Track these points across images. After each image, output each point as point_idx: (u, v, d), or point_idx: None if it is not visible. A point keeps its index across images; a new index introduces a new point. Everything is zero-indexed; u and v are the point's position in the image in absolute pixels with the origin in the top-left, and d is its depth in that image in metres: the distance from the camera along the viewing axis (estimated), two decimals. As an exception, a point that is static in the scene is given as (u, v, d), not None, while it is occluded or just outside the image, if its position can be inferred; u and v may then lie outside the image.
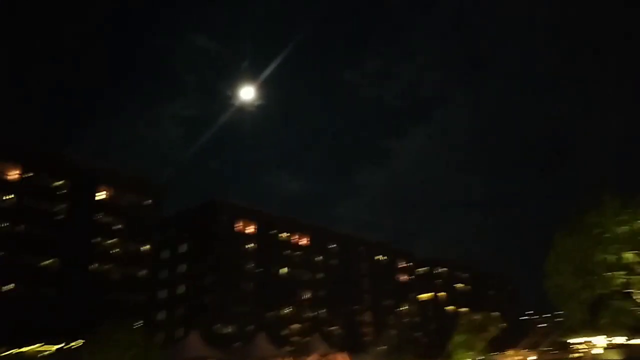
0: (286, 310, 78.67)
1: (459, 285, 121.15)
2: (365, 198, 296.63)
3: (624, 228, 26.43)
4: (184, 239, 73.43)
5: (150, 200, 63.89)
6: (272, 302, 75.64)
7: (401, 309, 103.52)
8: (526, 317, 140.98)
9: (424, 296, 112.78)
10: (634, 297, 27.50)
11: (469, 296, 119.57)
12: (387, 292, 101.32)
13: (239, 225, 74.46)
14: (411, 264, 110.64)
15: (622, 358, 45.67)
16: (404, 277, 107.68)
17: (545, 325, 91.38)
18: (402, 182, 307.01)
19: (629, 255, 26.60)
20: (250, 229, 76.05)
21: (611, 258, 26.63)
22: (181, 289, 71.17)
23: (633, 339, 52.44)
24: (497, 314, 76.97)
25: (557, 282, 29.09)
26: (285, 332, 75.82)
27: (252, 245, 75.47)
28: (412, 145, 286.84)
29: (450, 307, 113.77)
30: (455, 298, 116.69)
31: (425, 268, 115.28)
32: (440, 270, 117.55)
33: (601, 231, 26.72)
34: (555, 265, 28.98)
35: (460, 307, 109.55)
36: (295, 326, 78.72)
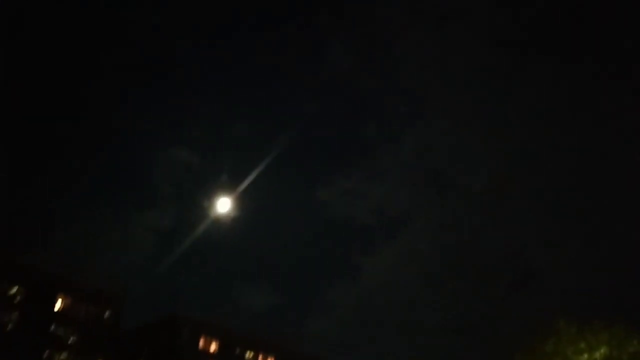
0: None
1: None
2: (336, 315, 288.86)
3: (583, 357, 26.06)
4: (142, 355, 69.41)
5: (109, 312, 61.31)
6: None
7: None
8: None
9: None
10: None
11: None
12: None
13: (201, 342, 71.08)
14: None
15: None
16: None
17: None
18: (372, 300, 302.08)
19: (591, 387, 25.92)
20: (213, 347, 72.55)
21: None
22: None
23: None
24: None
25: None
26: None
27: (214, 364, 71.61)
28: (382, 263, 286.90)
29: None
30: None
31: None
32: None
33: (560, 360, 26.28)
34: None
35: None
36: None
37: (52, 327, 56.25)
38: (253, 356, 78.65)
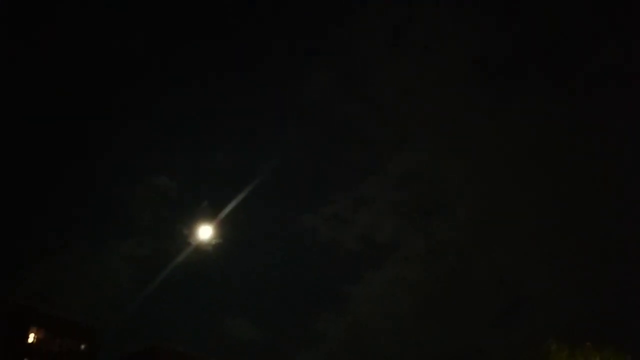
0: None
1: None
2: (325, 346, 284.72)
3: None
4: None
5: (84, 345, 59.36)
6: None
7: None
8: None
9: None
10: None
11: None
12: None
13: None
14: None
15: None
16: None
17: None
18: (362, 330, 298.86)
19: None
20: (196, 379, 70.19)
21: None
22: None
23: None
24: None
25: None
26: None
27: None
28: (370, 292, 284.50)
29: None
30: None
31: None
32: None
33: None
34: None
35: None
36: None
37: (25, 361, 54.34)
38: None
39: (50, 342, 56.98)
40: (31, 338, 55.65)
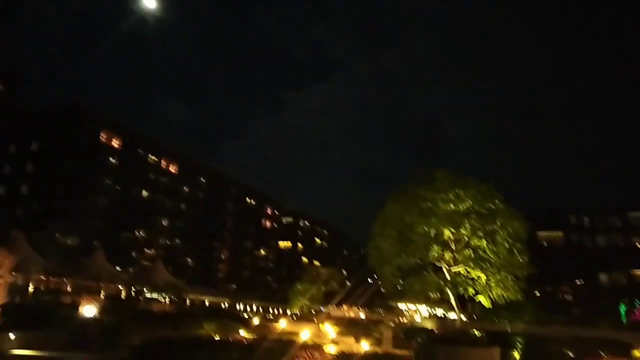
0: (140, 234, 76.48)
1: (318, 240, 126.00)
2: (251, 142, 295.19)
3: (449, 206, 28.16)
4: (37, 137, 67.42)
5: (2, 85, 57.68)
6: (126, 223, 72.79)
7: (259, 252, 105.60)
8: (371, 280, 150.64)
9: (283, 244, 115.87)
10: (444, 271, 29.46)
11: (324, 251, 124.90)
12: (249, 235, 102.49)
13: (103, 136, 70.03)
14: (277, 212, 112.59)
15: (435, 328, 49.93)
16: (268, 223, 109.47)
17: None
18: (290, 137, 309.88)
19: (447, 232, 28.36)
20: (115, 144, 71.92)
21: (431, 231, 28.25)
22: (25, 188, 65.91)
23: (450, 312, 57.73)
24: (345, 273, 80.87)
25: (377, 245, 30.10)
26: (136, 255, 73.79)
27: (113, 160, 71.60)
28: (308, 103, 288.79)
29: (305, 259, 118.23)
30: (312, 251, 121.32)
31: (290, 219, 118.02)
32: (303, 223, 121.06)
33: (428, 205, 28.23)
34: (380, 229, 29.98)
35: (315, 260, 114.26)
36: (148, 252, 76.92)
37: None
38: (155, 160, 79.50)
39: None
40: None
